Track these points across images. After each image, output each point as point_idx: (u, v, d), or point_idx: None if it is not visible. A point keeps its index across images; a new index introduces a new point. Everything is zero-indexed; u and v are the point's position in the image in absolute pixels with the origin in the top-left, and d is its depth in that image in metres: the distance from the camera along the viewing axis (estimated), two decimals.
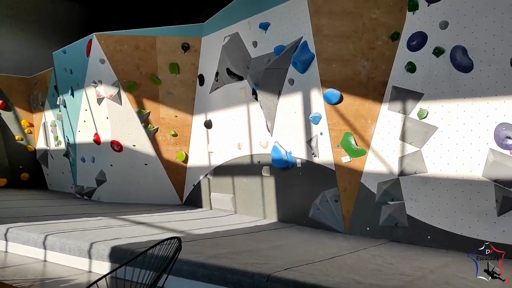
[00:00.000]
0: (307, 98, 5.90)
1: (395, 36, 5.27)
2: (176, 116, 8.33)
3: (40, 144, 11.96)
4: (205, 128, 7.95)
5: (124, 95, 8.23)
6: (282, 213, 6.47)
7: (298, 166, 6.11)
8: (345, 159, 5.55)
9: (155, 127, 8.36)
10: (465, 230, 4.51)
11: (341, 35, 5.55)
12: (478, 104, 4.51)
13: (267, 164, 6.61)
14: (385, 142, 5.28)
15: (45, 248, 4.93)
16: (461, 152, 4.61)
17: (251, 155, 6.97)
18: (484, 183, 4.41)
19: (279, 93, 6.29)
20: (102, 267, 4.41)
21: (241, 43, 6.94)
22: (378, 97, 5.39)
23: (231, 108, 7.29)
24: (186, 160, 8.43)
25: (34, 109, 12.00)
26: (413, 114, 5.02)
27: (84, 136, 9.15)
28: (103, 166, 8.73)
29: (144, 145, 8.37)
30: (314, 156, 5.88)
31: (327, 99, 5.60)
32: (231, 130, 7.33)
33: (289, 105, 6.17)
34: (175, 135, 8.37)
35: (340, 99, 5.55)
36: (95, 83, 8.37)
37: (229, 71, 7.10)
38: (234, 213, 7.35)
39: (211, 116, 7.83)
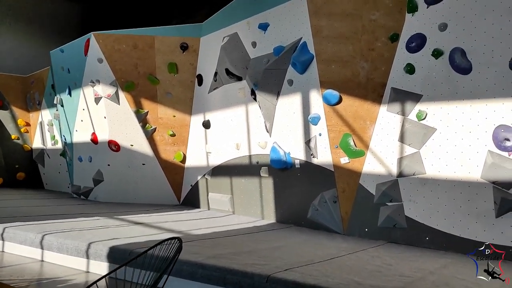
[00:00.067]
0: (306, 99, 5.90)
1: (394, 38, 5.28)
2: (174, 116, 8.31)
3: (36, 144, 11.90)
4: (203, 128, 7.94)
5: (122, 95, 8.21)
6: (281, 213, 6.46)
7: (296, 166, 6.11)
8: (344, 160, 5.55)
9: (153, 127, 8.33)
10: (464, 231, 4.52)
11: (340, 36, 5.55)
12: (477, 106, 4.53)
13: (266, 164, 6.60)
14: (384, 143, 5.29)
15: (42, 248, 4.90)
16: (460, 153, 4.63)
17: (250, 156, 6.96)
18: (483, 185, 4.42)
19: (278, 94, 6.29)
20: (100, 267, 4.39)
21: (240, 44, 6.93)
22: (377, 98, 5.40)
23: (229, 108, 7.28)
24: (184, 160, 8.41)
25: (30, 108, 11.94)
26: (412, 116, 5.03)
27: (81, 135, 9.11)
28: (100, 166, 8.69)
29: (141, 145, 8.34)
30: (313, 157, 5.88)
31: (326, 100, 5.60)
32: (229, 131, 7.31)
33: (288, 105, 6.17)
34: (173, 135, 8.35)
35: (339, 100, 5.56)
36: (93, 82, 8.34)
37: (228, 71, 7.09)
38: (232, 213, 7.33)
39: (209, 116, 7.82)
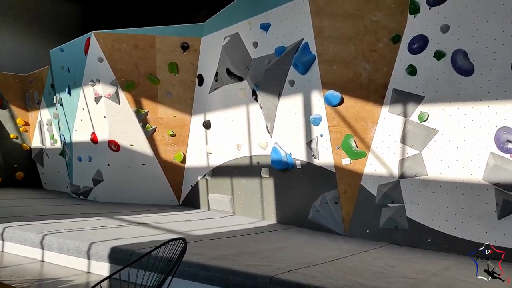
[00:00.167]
0: (307, 100, 5.90)
1: (396, 39, 5.28)
2: (175, 116, 8.29)
3: (35, 143, 11.85)
4: (203, 129, 7.92)
5: (122, 94, 8.18)
6: (281, 214, 6.45)
7: (297, 167, 6.10)
8: (345, 161, 5.55)
9: (153, 127, 8.31)
10: (466, 233, 4.52)
11: (342, 37, 5.55)
12: (479, 108, 4.53)
13: (267, 165, 6.59)
14: (385, 144, 5.29)
15: (42, 248, 4.87)
16: (462, 155, 4.63)
17: (250, 156, 6.95)
18: (485, 187, 4.43)
19: (279, 94, 6.28)
20: (101, 268, 4.37)
21: (241, 44, 6.92)
22: (379, 100, 5.40)
23: (230, 108, 7.27)
24: (184, 160, 8.39)
25: (29, 107, 11.89)
26: (414, 117, 5.03)
27: (81, 135, 9.07)
28: (100, 166, 8.66)
29: (141, 145, 8.32)
30: (314, 158, 5.87)
31: (327, 101, 5.60)
32: (230, 131, 7.30)
33: (290, 106, 6.16)
34: (173, 135, 8.33)
35: (341, 101, 5.55)
36: (93, 81, 8.31)
37: (229, 72, 7.08)
38: (232, 214, 7.32)
39: (210, 116, 7.80)
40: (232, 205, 7.32)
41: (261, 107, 6.59)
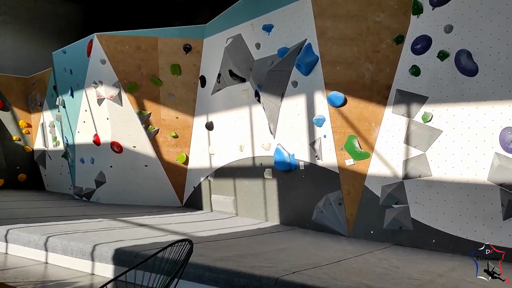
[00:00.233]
0: (310, 101, 5.89)
1: (399, 39, 5.28)
2: (177, 118, 8.29)
3: (38, 145, 11.87)
4: (206, 130, 7.92)
5: (124, 96, 8.19)
6: (285, 215, 6.44)
7: (301, 168, 6.10)
8: (349, 162, 5.54)
9: (156, 128, 8.31)
10: (471, 234, 4.50)
11: (345, 38, 5.54)
12: (483, 108, 4.52)
13: (270, 166, 6.58)
14: (389, 145, 5.28)
15: (46, 250, 4.87)
16: (466, 156, 4.62)
17: (253, 157, 6.94)
18: (490, 187, 4.41)
19: (282, 95, 6.28)
20: (106, 269, 4.36)
21: (243, 45, 6.92)
22: (382, 100, 5.39)
23: (233, 110, 7.27)
24: (186, 161, 8.39)
25: (32, 109, 11.92)
26: (418, 118, 5.02)
27: (83, 137, 9.09)
28: (103, 167, 8.67)
29: (144, 147, 8.32)
30: (318, 159, 5.86)
31: (331, 102, 5.59)
32: (233, 132, 7.30)
33: (293, 107, 6.15)
34: (175, 136, 8.33)
35: (344, 102, 5.54)
36: (96, 83, 8.32)
37: (231, 73, 7.08)
38: (235, 215, 7.31)
39: (212, 117, 7.80)
40: (235, 206, 7.31)
41: (264, 108, 6.59)
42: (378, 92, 5.43)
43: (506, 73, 4.36)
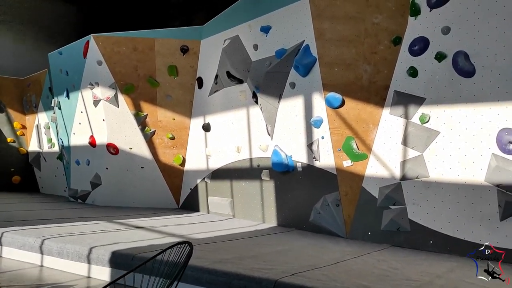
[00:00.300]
0: (308, 102, 5.88)
1: (397, 41, 5.29)
2: (174, 119, 8.25)
3: (32, 147, 11.78)
4: (203, 131, 7.89)
5: (121, 97, 8.14)
6: (282, 217, 6.42)
7: (298, 170, 6.08)
8: (347, 163, 5.53)
9: (152, 129, 8.27)
10: (468, 235, 4.51)
11: (343, 39, 5.55)
12: (480, 109, 4.53)
13: (267, 167, 6.56)
14: (386, 146, 5.28)
15: (42, 253, 4.82)
16: (464, 156, 4.63)
17: (251, 159, 6.92)
18: (487, 188, 4.42)
19: (280, 97, 6.27)
20: (102, 272, 4.32)
21: (241, 46, 6.91)
22: (380, 102, 5.40)
23: (230, 111, 7.25)
24: (183, 163, 8.35)
25: (27, 110, 11.83)
26: (415, 119, 5.03)
27: (79, 138, 9.02)
28: (98, 169, 8.61)
29: (140, 148, 8.28)
30: (315, 160, 5.85)
31: (329, 103, 5.59)
32: (230, 134, 7.28)
33: (290, 108, 6.15)
34: (172, 138, 8.29)
35: (342, 103, 5.54)
36: (92, 85, 8.27)
37: (229, 74, 7.06)
38: (232, 217, 7.28)
39: (209, 119, 7.78)
40: (232, 208, 7.29)
41: (261, 109, 6.57)
42: (376, 94, 5.43)
43: (503, 74, 4.38)
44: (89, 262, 4.43)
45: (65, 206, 8.45)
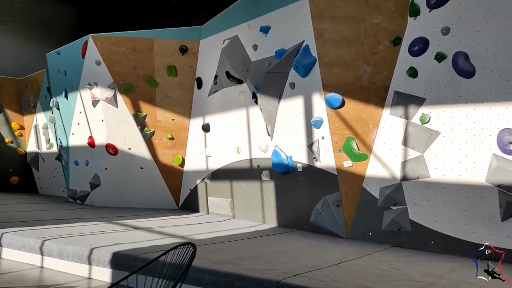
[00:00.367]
0: (308, 102, 5.88)
1: (397, 41, 5.30)
2: (173, 120, 8.24)
3: (31, 147, 11.73)
4: (202, 132, 7.88)
5: (120, 98, 8.12)
6: (282, 218, 6.42)
7: (299, 170, 6.08)
8: (347, 163, 5.54)
9: (152, 130, 8.25)
10: (469, 235, 4.52)
11: (343, 40, 5.55)
12: (481, 110, 4.54)
13: (267, 168, 6.56)
14: (387, 146, 5.29)
15: (42, 254, 4.80)
16: (464, 157, 4.64)
17: (250, 159, 6.92)
18: (488, 188, 4.43)
19: (279, 97, 6.26)
20: (103, 273, 4.30)
21: (240, 46, 6.90)
22: (380, 102, 5.41)
23: (230, 111, 7.24)
24: (182, 164, 8.33)
25: (25, 111, 11.78)
26: (415, 119, 5.03)
27: (77, 139, 8.99)
28: (98, 170, 8.58)
29: (140, 149, 8.26)
30: (316, 161, 5.85)
31: (329, 103, 5.59)
32: (229, 134, 7.27)
33: (290, 109, 6.14)
34: (171, 138, 8.27)
35: (342, 104, 5.54)
36: (91, 85, 8.24)
37: (228, 74, 7.05)
38: (232, 217, 7.27)
39: (209, 119, 7.77)
40: (232, 209, 7.28)
41: (261, 110, 6.57)
42: (376, 94, 5.44)
43: (503, 74, 4.39)
44: (90, 263, 4.42)
45: (64, 207, 8.42)
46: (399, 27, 5.28)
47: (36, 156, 11.54)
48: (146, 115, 8.20)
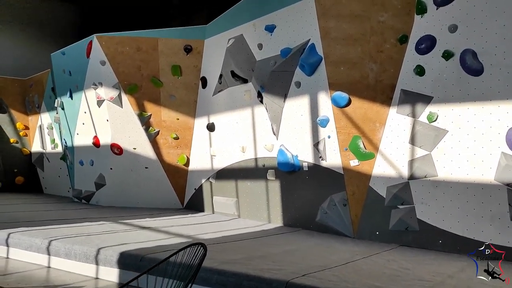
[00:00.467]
0: (314, 101, 5.86)
1: (403, 39, 5.26)
2: (178, 119, 8.23)
3: (35, 147, 11.76)
4: (207, 131, 7.87)
5: (125, 98, 8.12)
6: (288, 217, 6.40)
7: (304, 169, 6.06)
8: (354, 162, 5.51)
9: (156, 130, 8.25)
10: (478, 234, 4.49)
11: (349, 38, 5.52)
12: (489, 108, 4.50)
13: (273, 167, 6.54)
14: (394, 145, 5.26)
15: (49, 254, 4.80)
16: (472, 155, 4.60)
17: (256, 159, 6.90)
18: (497, 187, 4.39)
19: (285, 96, 6.24)
20: (110, 273, 4.30)
21: (245, 45, 6.88)
22: (387, 100, 5.37)
23: (235, 111, 7.22)
24: (187, 163, 8.33)
25: (29, 111, 11.81)
26: (423, 118, 5.00)
27: (82, 139, 9.00)
28: (102, 170, 8.59)
29: (144, 148, 8.26)
30: (322, 160, 5.83)
31: (335, 102, 5.56)
32: (234, 133, 7.25)
33: (296, 108, 6.12)
34: (176, 138, 8.27)
35: (348, 102, 5.51)
36: (95, 85, 8.25)
37: (233, 74, 7.03)
38: (237, 217, 7.26)
39: (214, 119, 7.75)
40: (237, 208, 7.27)
41: (266, 109, 6.55)
42: (382, 92, 5.40)
43: None
44: (97, 263, 4.42)
45: (69, 207, 8.44)
46: (406, 25, 5.24)
47: (41, 156, 11.57)
48: (151, 114, 8.20)
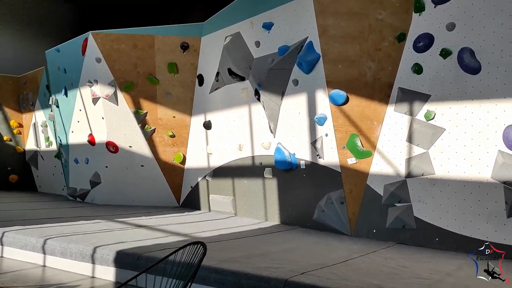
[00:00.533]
0: (312, 99, 5.84)
1: (401, 37, 5.26)
2: (174, 117, 8.18)
3: (29, 145, 11.65)
4: (204, 129, 7.83)
5: (120, 95, 8.06)
6: (285, 215, 6.39)
7: (302, 167, 6.05)
8: (351, 160, 5.50)
9: (152, 127, 8.20)
10: (475, 232, 4.50)
11: (347, 36, 5.51)
12: (487, 106, 4.52)
13: (270, 165, 6.52)
14: (391, 143, 5.26)
15: (44, 253, 4.75)
16: (470, 153, 4.61)
17: (253, 157, 6.88)
18: (493, 185, 4.41)
19: (282, 94, 6.22)
20: (107, 272, 4.26)
21: (243, 43, 6.84)
22: (384, 98, 5.37)
23: (232, 108, 7.19)
24: (183, 161, 8.29)
25: (23, 109, 11.70)
26: (420, 116, 5.00)
27: (77, 136, 8.92)
28: (98, 168, 8.53)
29: (140, 146, 8.20)
30: (319, 158, 5.82)
31: (332, 100, 5.55)
32: (231, 131, 7.22)
33: (293, 106, 6.10)
34: (172, 136, 8.22)
35: (346, 100, 5.51)
36: (91, 82, 8.17)
37: (230, 71, 7.00)
38: (234, 215, 7.24)
39: (210, 116, 7.72)
40: (234, 206, 7.24)
41: (264, 107, 6.52)
42: (380, 90, 5.40)
43: (509, 70, 4.36)
44: (93, 262, 4.37)
45: (64, 205, 8.37)
46: (404, 23, 5.24)
47: (35, 154, 11.46)
48: (147, 112, 8.14)
